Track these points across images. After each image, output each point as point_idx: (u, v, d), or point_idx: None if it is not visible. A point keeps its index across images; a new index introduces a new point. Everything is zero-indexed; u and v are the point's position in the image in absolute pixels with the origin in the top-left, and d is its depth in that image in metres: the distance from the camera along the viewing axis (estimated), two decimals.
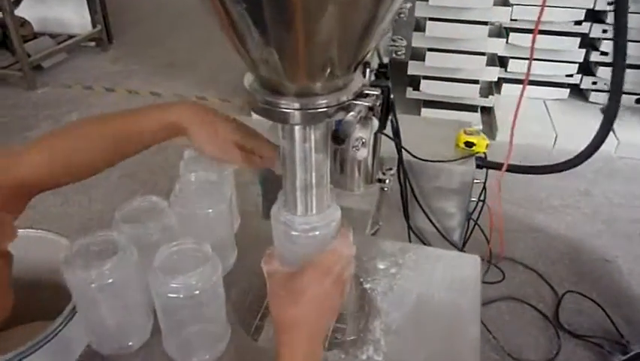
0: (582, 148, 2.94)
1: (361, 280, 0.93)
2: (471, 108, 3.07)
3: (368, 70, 0.77)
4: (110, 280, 0.72)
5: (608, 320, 1.85)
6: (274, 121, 0.61)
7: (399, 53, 1.06)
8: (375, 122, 0.70)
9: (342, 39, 0.52)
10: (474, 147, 1.34)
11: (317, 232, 0.70)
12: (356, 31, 0.53)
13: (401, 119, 1.26)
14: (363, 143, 0.64)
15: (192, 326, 0.75)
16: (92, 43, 4.38)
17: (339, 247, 0.70)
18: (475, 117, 3.05)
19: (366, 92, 0.62)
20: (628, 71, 3.17)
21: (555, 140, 3.00)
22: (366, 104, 0.59)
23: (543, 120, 3.13)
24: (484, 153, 1.36)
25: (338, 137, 0.78)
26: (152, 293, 0.71)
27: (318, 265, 0.68)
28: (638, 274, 2.09)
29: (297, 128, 0.63)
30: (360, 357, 0.79)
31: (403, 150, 1.21)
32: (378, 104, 0.63)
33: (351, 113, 0.57)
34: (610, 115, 1.24)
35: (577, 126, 3.07)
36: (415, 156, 1.22)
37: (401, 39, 1.08)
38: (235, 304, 0.89)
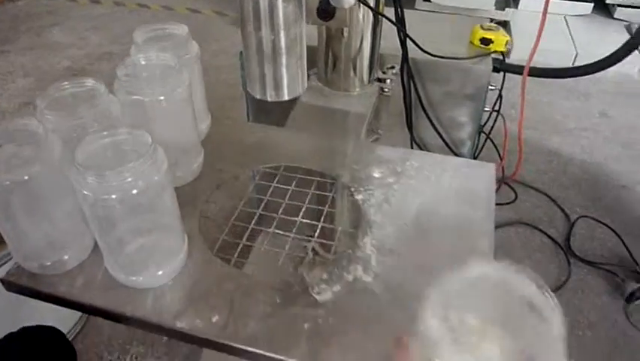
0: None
1: (352, 190, 0.77)
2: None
3: None
4: (26, 178, 0.56)
5: (622, 246, 1.72)
6: None
7: None
8: None
9: None
10: (491, 45, 1.14)
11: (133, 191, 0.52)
12: None
13: (407, 13, 1.05)
14: None
15: (134, 237, 0.60)
16: None
17: None
18: None
19: None
20: None
21: (575, 58, 2.77)
22: None
23: (563, 37, 2.88)
24: (503, 52, 1.17)
25: (323, 9, 0.60)
26: (77, 196, 0.55)
27: None
28: None
29: None
30: (345, 278, 0.65)
31: (408, 43, 1.01)
32: None
33: None
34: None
35: (599, 44, 2.82)
36: (423, 50, 1.02)
37: None
38: (201, 211, 0.74)
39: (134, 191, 0.54)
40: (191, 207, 0.75)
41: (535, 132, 2.28)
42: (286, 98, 0.52)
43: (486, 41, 1.14)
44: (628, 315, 1.53)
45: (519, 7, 3.04)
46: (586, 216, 1.84)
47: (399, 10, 0.99)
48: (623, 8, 3.00)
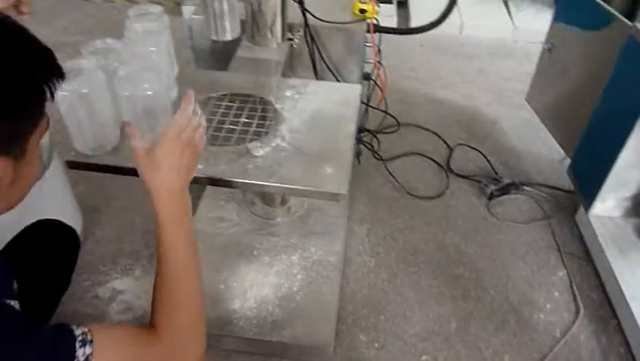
0: (482, 34, 3.30)
1: (274, 103, 1.26)
2: (387, 0, 3.35)
3: None
4: (85, 91, 1.01)
5: (488, 165, 2.31)
6: None
7: None
8: None
9: None
10: (366, 14, 1.65)
11: (149, 92, 1.00)
12: None
13: None
14: None
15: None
16: None
17: (178, 119, 0.89)
18: (392, 9, 3.34)
19: None
20: None
21: (461, 28, 3.36)
22: None
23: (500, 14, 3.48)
24: (376, 19, 1.68)
25: None
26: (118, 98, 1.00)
27: (167, 139, 0.87)
28: (516, 132, 2.55)
29: None
30: (271, 145, 1.14)
31: (307, 13, 1.50)
32: None
33: None
34: None
35: (481, 16, 3.43)
36: (315, 17, 1.52)
37: None
38: None
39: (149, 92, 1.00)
40: None
41: (428, 87, 2.86)
42: (229, 38, 1.00)
43: (362, 11, 1.64)
44: (488, 208, 2.12)
45: None
46: (462, 145, 2.43)
47: None
48: None
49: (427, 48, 3.15)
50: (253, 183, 1.06)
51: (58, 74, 0.74)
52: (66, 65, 1.00)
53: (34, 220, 1.30)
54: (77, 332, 0.71)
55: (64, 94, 1.00)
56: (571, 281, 1.83)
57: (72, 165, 1.11)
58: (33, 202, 1.55)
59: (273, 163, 1.10)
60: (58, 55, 0.74)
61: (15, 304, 0.78)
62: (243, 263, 1.70)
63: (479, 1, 3.58)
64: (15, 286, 0.79)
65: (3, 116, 0.64)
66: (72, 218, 1.81)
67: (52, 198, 1.65)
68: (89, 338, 0.71)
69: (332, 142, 1.16)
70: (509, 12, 3.48)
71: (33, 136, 0.72)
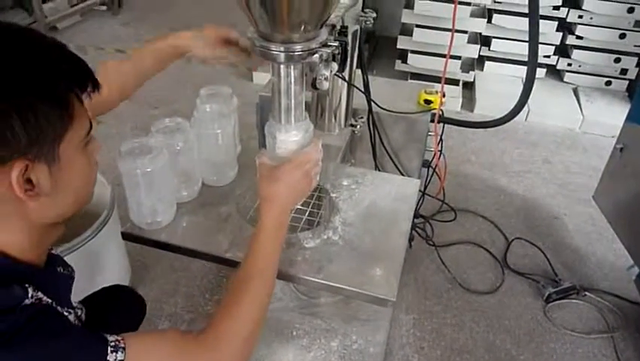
0: (549, 122, 3.24)
1: (330, 192, 1.25)
2: (453, 82, 3.36)
3: (334, 30, 1.07)
4: (149, 170, 1.03)
5: (547, 263, 2.18)
6: (267, 59, 0.92)
7: (367, 22, 1.35)
8: (335, 65, 0.99)
9: (311, 6, 0.83)
10: (431, 104, 1.64)
11: (296, 139, 1.01)
12: (320, 3, 0.84)
13: (378, 80, 1.57)
14: (325, 78, 0.94)
15: None
16: (103, 7, 4.62)
17: (309, 151, 1.01)
18: (457, 90, 3.35)
19: (329, 43, 0.93)
20: (599, 55, 3.43)
21: (527, 115, 3.30)
22: (328, 51, 0.90)
23: (518, 97, 3.42)
24: (442, 110, 1.67)
25: (315, 84, 1.10)
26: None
27: (293, 161, 0.98)
28: (580, 231, 2.42)
29: (282, 66, 0.94)
30: (322, 237, 1.12)
31: (372, 102, 1.51)
32: (337, 52, 0.94)
33: (316, 55, 0.89)
34: (527, 86, 1.53)
35: (549, 103, 3.36)
36: (381, 107, 1.53)
37: (371, 11, 1.35)
38: (237, 201, 1.21)
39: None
40: (232, 197, 1.22)
41: (489, 173, 2.79)
42: (293, 126, 1.00)
43: (428, 101, 1.64)
44: (545, 311, 1.98)
45: (484, 70, 3.60)
46: (520, 239, 2.31)
47: (366, 78, 1.50)
48: (572, 74, 3.57)
49: (490, 132, 3.10)
50: (300, 278, 1.03)
51: (86, 82, 0.73)
52: (135, 142, 1.05)
53: (95, 281, 1.29)
54: (110, 338, 0.71)
55: (128, 171, 1.03)
56: None
57: (126, 237, 1.12)
58: (90, 256, 1.60)
59: (322, 258, 1.07)
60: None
61: (69, 314, 0.81)
62: (280, 343, 1.65)
63: (548, 89, 3.52)
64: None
65: (18, 120, 0.63)
66: (122, 274, 1.85)
67: (106, 253, 1.69)
68: (121, 344, 0.71)
69: (385, 240, 1.13)
70: (579, 102, 3.39)
71: (64, 142, 0.69)
